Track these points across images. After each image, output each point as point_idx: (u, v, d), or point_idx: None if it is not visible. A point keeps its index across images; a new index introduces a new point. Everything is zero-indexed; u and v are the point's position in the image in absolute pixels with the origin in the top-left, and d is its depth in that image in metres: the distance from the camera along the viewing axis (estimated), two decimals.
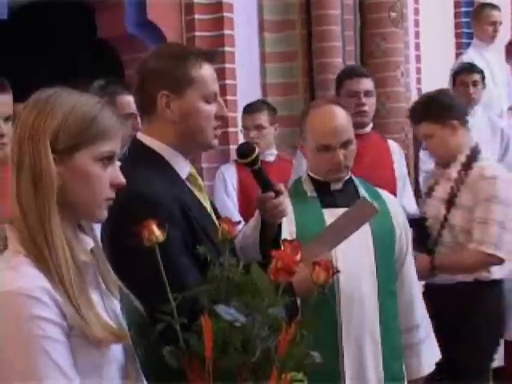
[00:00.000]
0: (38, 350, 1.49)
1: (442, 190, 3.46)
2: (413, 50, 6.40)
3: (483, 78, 5.40)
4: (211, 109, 2.19)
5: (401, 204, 3.28)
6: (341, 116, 2.78)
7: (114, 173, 1.66)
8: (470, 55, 6.10)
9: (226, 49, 5.12)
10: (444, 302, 3.11)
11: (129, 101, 3.50)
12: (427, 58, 6.56)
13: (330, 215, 2.66)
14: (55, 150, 1.58)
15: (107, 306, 1.68)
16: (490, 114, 5.62)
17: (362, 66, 5.12)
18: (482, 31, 6.18)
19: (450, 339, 3.07)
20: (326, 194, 2.80)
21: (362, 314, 2.71)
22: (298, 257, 1.71)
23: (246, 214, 4.04)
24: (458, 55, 6.88)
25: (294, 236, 2.64)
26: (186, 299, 1.80)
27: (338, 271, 1.85)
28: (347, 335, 2.69)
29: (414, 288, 2.97)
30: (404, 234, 2.90)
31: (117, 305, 1.73)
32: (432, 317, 3.03)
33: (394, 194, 3.60)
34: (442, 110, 3.42)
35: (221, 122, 2.24)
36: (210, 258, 1.90)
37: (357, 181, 2.87)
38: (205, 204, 2.23)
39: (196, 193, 2.22)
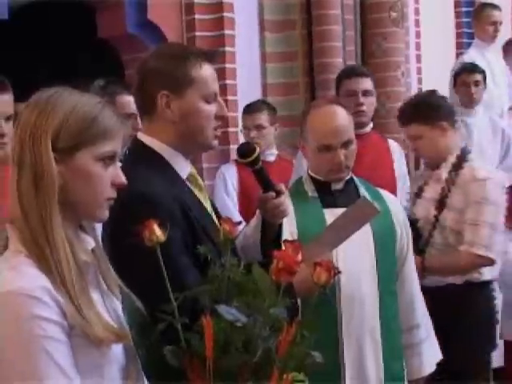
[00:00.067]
0: (38, 350, 1.49)
1: (431, 191, 3.45)
2: (413, 49, 6.41)
3: (485, 77, 5.40)
4: (211, 109, 2.19)
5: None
6: (341, 116, 2.78)
7: (116, 172, 1.66)
8: (471, 55, 6.10)
9: (227, 49, 5.13)
10: (434, 304, 3.10)
11: (128, 101, 3.50)
12: (428, 58, 6.56)
13: (331, 215, 2.66)
14: (56, 149, 1.58)
15: (108, 306, 1.68)
16: (490, 114, 5.62)
17: (362, 66, 5.12)
18: (482, 31, 6.18)
19: (442, 341, 3.06)
20: (327, 194, 2.80)
21: (363, 313, 2.71)
22: (300, 257, 1.71)
23: (246, 214, 4.04)
24: (458, 55, 6.88)
25: (295, 236, 2.64)
26: (187, 299, 1.80)
27: (339, 272, 1.85)
28: (348, 335, 2.69)
29: (415, 288, 2.97)
30: (405, 234, 2.90)
31: (118, 305, 1.73)
32: None
33: (394, 193, 3.60)
34: (431, 111, 3.42)
35: (221, 121, 2.24)
36: (211, 258, 1.90)
37: (358, 181, 2.87)
38: (205, 204, 2.23)
39: (196, 193, 2.22)
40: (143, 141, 2.19)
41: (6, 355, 1.49)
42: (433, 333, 3.02)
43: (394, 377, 2.77)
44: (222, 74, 4.85)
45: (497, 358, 4.58)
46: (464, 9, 7.23)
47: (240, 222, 2.25)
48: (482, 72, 5.41)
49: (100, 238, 1.78)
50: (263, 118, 4.64)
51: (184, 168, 2.20)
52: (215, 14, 5.14)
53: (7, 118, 2.78)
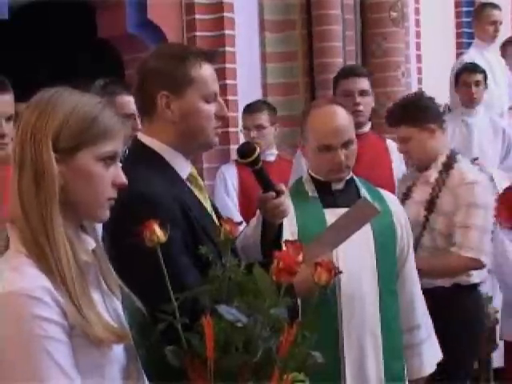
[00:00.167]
0: (39, 351, 1.49)
1: (420, 193, 3.45)
2: (413, 49, 6.41)
3: (486, 77, 5.40)
4: (211, 109, 2.19)
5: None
6: (342, 116, 2.78)
7: (116, 172, 1.66)
8: (471, 55, 6.10)
9: (227, 49, 5.13)
10: None
11: (128, 101, 3.49)
12: (428, 58, 6.56)
13: (331, 215, 2.66)
14: (57, 149, 1.58)
15: (109, 306, 1.68)
16: (491, 114, 5.62)
17: (360, 66, 5.11)
18: (482, 31, 6.18)
19: None
20: (327, 194, 2.80)
21: (363, 313, 2.71)
22: (300, 257, 1.71)
23: (246, 214, 4.04)
24: (458, 55, 6.88)
25: (296, 236, 2.64)
26: (188, 299, 1.80)
27: (339, 272, 1.84)
28: (348, 335, 2.69)
29: (416, 288, 2.97)
30: (405, 234, 2.89)
31: (118, 305, 1.73)
32: None
33: (393, 193, 3.59)
34: (419, 112, 3.42)
35: (221, 121, 2.24)
36: (211, 258, 1.90)
37: (358, 181, 2.87)
38: (205, 204, 2.23)
39: (196, 193, 2.22)
40: (143, 141, 2.19)
41: (6, 356, 1.49)
42: (433, 332, 3.02)
43: (394, 377, 2.77)
44: (221, 74, 4.85)
45: (497, 358, 4.59)
46: (464, 9, 7.23)
47: (241, 223, 2.25)
48: (483, 72, 5.41)
49: (100, 238, 1.78)
50: (263, 117, 4.64)
51: (184, 168, 2.20)
52: (215, 14, 5.14)
53: (8, 118, 2.78)
